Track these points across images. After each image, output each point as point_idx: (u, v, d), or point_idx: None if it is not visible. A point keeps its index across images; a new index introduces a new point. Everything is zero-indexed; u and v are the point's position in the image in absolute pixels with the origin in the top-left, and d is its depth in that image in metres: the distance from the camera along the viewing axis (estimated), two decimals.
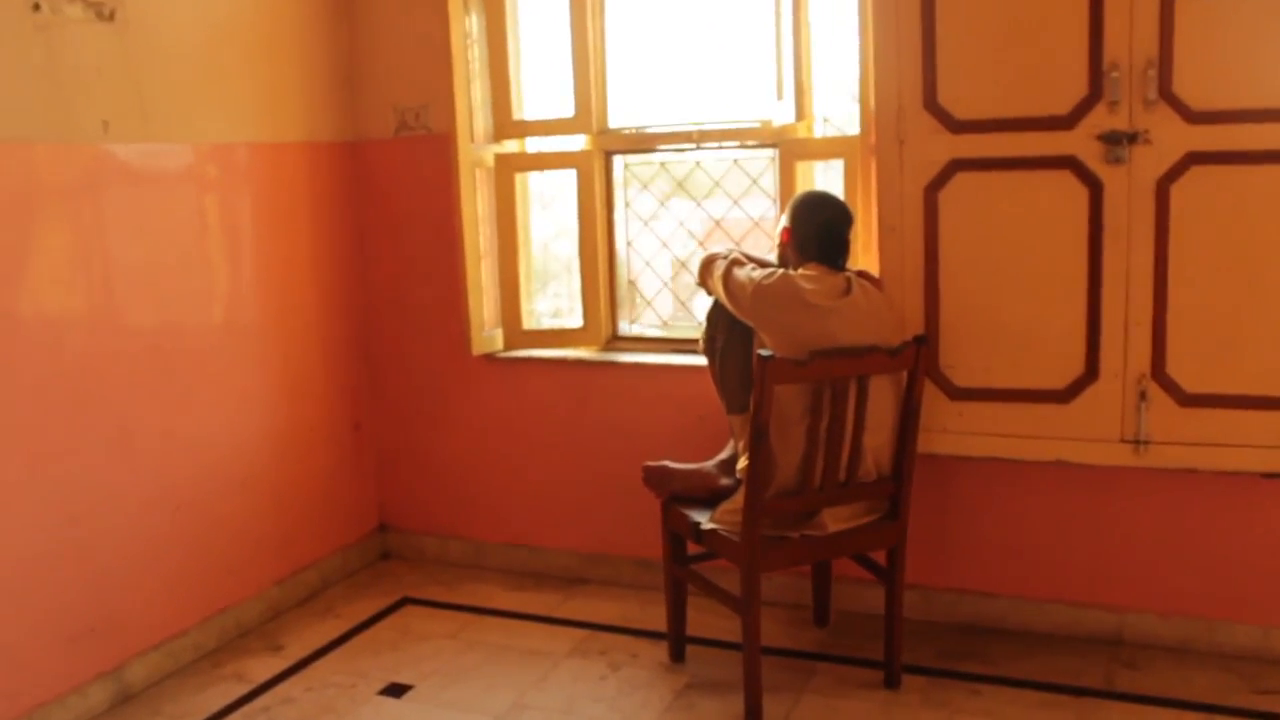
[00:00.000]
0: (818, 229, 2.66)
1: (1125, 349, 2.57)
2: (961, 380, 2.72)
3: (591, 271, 3.46)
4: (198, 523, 3.09)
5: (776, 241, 2.77)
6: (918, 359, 2.56)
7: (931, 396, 2.73)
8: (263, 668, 3.03)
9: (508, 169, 3.46)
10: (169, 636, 3.00)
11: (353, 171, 3.67)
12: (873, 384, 2.54)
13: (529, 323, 3.58)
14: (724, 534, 2.61)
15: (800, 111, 3.11)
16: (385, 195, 3.66)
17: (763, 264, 2.78)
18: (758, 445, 2.45)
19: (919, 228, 2.70)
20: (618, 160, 3.52)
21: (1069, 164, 2.55)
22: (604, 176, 3.49)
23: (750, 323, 2.64)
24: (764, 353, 2.41)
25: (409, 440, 3.77)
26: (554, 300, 3.73)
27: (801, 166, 3.18)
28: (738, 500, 2.58)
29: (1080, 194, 2.56)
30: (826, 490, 2.56)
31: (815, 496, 2.56)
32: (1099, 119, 2.51)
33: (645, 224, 3.54)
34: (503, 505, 3.67)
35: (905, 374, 2.60)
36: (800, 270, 2.66)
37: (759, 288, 2.58)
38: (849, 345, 2.51)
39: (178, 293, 3.02)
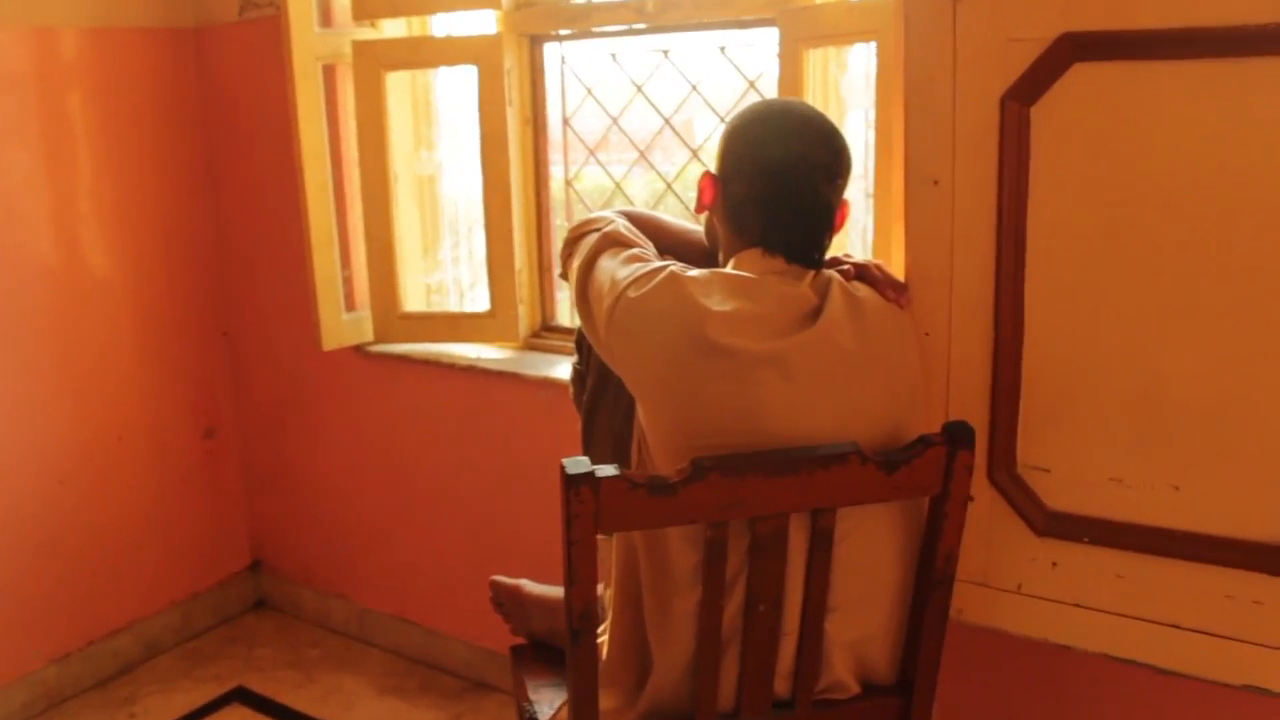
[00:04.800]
0: (759, 179, 1.28)
1: None
2: (1061, 499, 1.33)
3: (502, 228, 2.20)
4: None
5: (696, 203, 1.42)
6: (951, 471, 1.20)
7: (1001, 524, 1.36)
8: None
9: (371, 65, 2.21)
10: None
11: (193, 70, 2.53)
12: (847, 520, 1.20)
13: (413, 302, 2.36)
14: None
15: None
16: (234, 104, 2.51)
17: (682, 240, 1.46)
18: (577, 648, 1.17)
19: (988, 178, 1.29)
20: (550, 51, 2.22)
21: None
22: (526, 76, 2.21)
23: (611, 367, 1.33)
24: (570, 467, 1.10)
25: (282, 455, 2.68)
26: (467, 270, 2.48)
27: (814, 56, 1.79)
28: None
29: None
30: (748, 715, 1.27)
31: None
32: None
33: (590, 152, 2.24)
34: (389, 565, 2.54)
35: (928, 500, 1.24)
36: (729, 267, 1.32)
37: (620, 302, 1.26)
38: (798, 439, 1.18)
39: None
